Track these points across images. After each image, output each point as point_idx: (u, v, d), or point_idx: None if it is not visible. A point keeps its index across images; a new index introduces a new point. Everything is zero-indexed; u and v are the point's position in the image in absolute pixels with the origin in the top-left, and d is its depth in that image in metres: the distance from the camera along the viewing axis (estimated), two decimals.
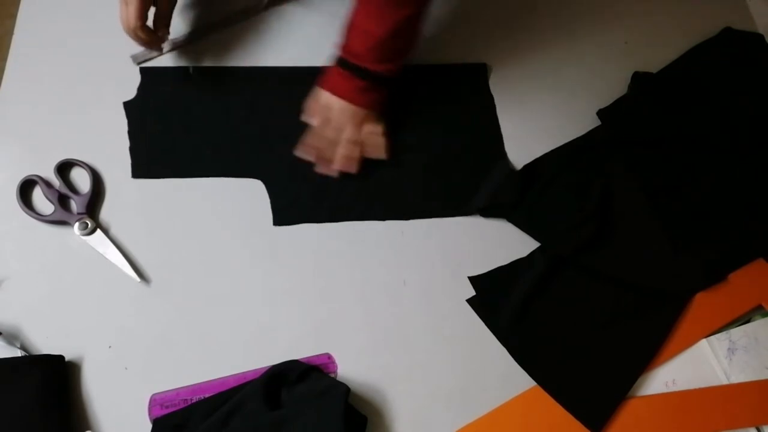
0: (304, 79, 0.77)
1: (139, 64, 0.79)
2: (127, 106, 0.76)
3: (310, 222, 0.72)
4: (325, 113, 0.73)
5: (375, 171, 0.75)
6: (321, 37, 0.82)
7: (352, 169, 0.73)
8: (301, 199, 0.73)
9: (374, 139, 0.74)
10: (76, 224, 0.69)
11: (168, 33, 0.75)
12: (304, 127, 0.75)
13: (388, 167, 0.75)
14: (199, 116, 0.76)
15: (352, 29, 0.69)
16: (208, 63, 0.79)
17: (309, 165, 0.74)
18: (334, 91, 0.72)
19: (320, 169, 0.73)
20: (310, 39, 0.82)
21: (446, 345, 0.67)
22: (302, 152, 0.73)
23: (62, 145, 0.75)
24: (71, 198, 0.71)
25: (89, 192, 0.71)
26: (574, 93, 0.81)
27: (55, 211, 0.70)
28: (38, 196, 0.72)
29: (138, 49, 0.79)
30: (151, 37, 0.72)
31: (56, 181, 0.72)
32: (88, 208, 0.70)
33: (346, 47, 0.70)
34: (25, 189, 0.71)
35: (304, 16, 0.84)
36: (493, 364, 0.67)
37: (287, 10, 0.84)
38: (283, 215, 0.72)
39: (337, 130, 0.73)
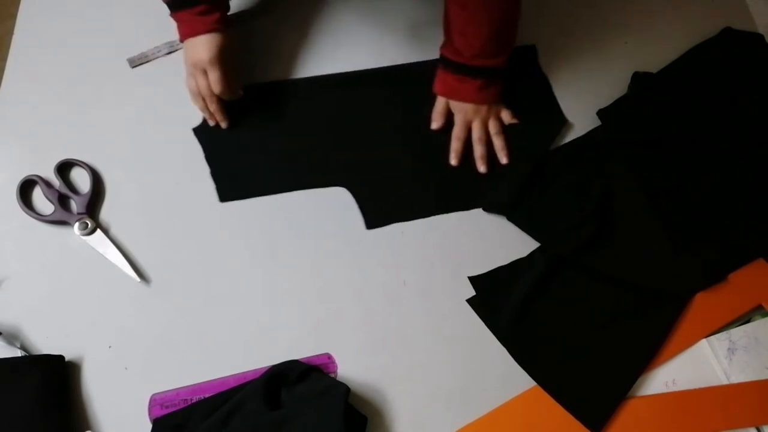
0: (353, 83, 0.80)
1: (134, 66, 0.79)
2: (197, 131, 0.76)
3: (400, 221, 0.73)
4: (448, 118, 0.76)
5: (446, 165, 0.76)
6: (364, 38, 0.83)
7: (504, 159, 0.75)
8: (389, 199, 0.74)
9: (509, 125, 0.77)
10: (76, 224, 0.69)
11: (241, 88, 0.75)
12: (378, 128, 0.77)
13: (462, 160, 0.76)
14: (268, 131, 0.77)
15: (455, 34, 0.71)
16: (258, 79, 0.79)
17: (388, 166, 0.75)
18: (452, 96, 0.75)
19: (481, 168, 0.75)
20: (353, 42, 0.83)
21: (446, 345, 0.67)
22: (453, 160, 0.75)
23: (62, 145, 0.75)
24: (71, 198, 0.71)
25: (89, 192, 0.71)
26: (574, 93, 0.81)
27: (55, 211, 0.70)
28: (38, 196, 0.72)
29: (135, 52, 0.79)
30: (232, 95, 0.74)
31: (56, 181, 0.72)
32: (88, 208, 0.70)
33: (453, 50, 0.71)
34: (25, 189, 0.71)
35: (342, 19, 0.84)
36: (493, 364, 0.67)
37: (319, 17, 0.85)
38: (374, 218, 0.73)
39: (467, 130, 0.76)
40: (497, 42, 0.70)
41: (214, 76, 0.71)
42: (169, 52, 0.80)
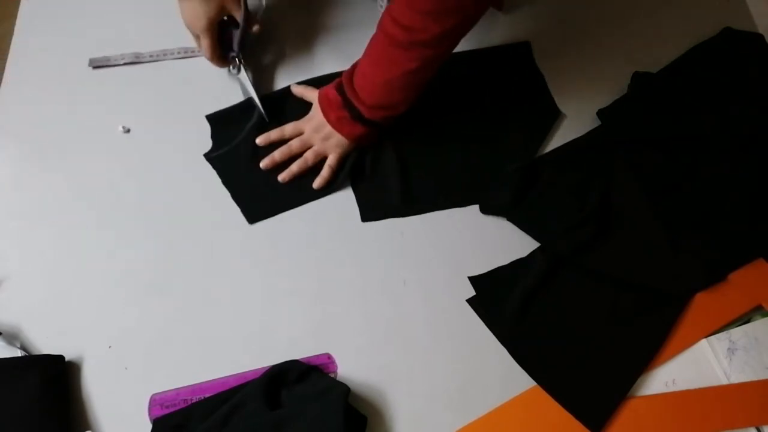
0: None
1: (95, 68, 0.79)
2: (208, 157, 0.75)
3: (396, 216, 0.73)
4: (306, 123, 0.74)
5: (445, 163, 0.76)
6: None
7: (284, 179, 0.73)
8: (386, 194, 0.74)
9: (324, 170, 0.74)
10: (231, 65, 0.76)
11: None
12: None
13: (454, 157, 0.76)
14: (274, 144, 0.75)
15: (357, 65, 0.69)
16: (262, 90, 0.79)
17: (386, 161, 0.75)
18: (322, 105, 0.73)
19: (264, 162, 0.73)
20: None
21: (446, 345, 0.67)
22: (265, 162, 0.74)
23: (62, 145, 0.75)
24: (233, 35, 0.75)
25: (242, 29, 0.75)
26: (575, 92, 0.81)
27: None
28: None
29: (100, 53, 0.79)
30: (222, 65, 0.76)
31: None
32: (241, 46, 0.76)
33: (349, 76, 0.70)
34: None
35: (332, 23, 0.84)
36: (493, 364, 0.67)
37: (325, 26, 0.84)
38: (370, 212, 0.73)
39: (305, 144, 0.74)
40: (382, 95, 0.68)
41: (203, 45, 0.72)
42: (132, 63, 0.80)
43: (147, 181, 0.74)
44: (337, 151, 0.73)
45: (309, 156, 0.74)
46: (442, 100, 0.78)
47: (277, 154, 0.74)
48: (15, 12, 0.83)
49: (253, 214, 0.72)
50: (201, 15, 0.70)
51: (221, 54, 0.75)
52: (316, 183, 0.73)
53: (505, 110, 0.79)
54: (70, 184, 0.73)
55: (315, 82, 0.79)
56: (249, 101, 0.77)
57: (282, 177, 0.73)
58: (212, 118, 0.77)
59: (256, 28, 0.77)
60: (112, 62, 0.79)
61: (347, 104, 0.69)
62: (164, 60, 0.80)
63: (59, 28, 0.82)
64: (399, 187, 0.74)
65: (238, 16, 0.74)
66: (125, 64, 0.79)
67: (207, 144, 0.76)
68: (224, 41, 0.75)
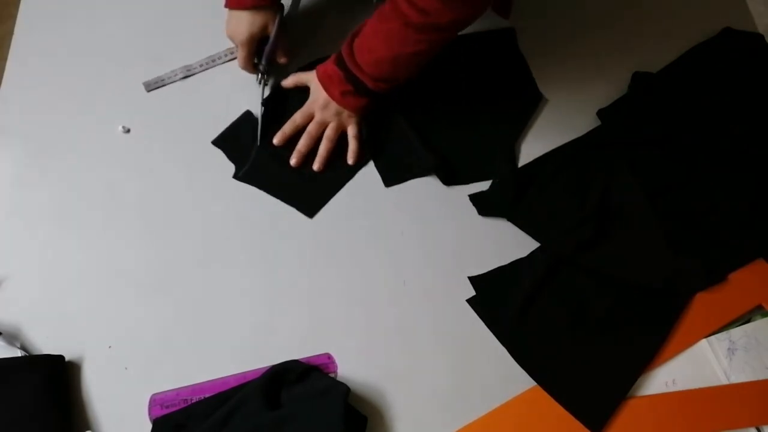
0: None
1: (150, 90, 0.78)
2: (238, 177, 0.75)
3: (415, 177, 0.74)
4: (311, 105, 0.75)
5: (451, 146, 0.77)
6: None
7: (321, 167, 0.75)
8: (403, 161, 0.75)
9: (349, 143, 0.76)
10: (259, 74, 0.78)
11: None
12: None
13: (436, 139, 0.77)
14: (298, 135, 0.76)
15: (360, 37, 0.70)
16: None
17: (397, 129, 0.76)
18: (323, 83, 0.73)
19: (293, 161, 0.75)
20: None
21: (446, 345, 0.67)
22: (279, 139, 0.75)
23: (62, 144, 0.75)
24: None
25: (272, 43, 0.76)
26: (575, 92, 0.81)
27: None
28: None
29: (150, 76, 0.78)
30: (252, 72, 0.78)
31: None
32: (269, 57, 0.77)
33: (349, 49, 0.70)
34: None
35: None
36: (493, 364, 0.67)
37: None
38: (391, 176, 0.75)
39: (321, 125, 0.75)
40: (387, 69, 0.69)
41: (239, 55, 0.75)
42: (185, 77, 0.80)
43: (147, 181, 0.74)
44: (351, 121, 0.75)
45: (330, 134, 0.75)
46: (426, 83, 0.78)
47: (302, 146, 0.75)
48: (15, 12, 0.83)
49: (310, 209, 0.73)
50: (245, 29, 0.73)
51: (254, 64, 0.77)
52: (350, 158, 0.75)
53: (488, 94, 0.80)
54: (70, 184, 0.73)
55: (302, 70, 0.79)
56: (246, 115, 0.78)
57: (317, 166, 0.75)
58: (218, 141, 0.77)
59: (283, 60, 0.78)
60: (167, 81, 0.79)
61: (350, 77, 0.71)
62: (214, 66, 0.80)
63: (59, 29, 0.82)
64: (412, 150, 0.75)
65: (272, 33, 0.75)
66: (180, 79, 0.79)
67: (207, 144, 0.76)
68: (259, 53, 0.77)
